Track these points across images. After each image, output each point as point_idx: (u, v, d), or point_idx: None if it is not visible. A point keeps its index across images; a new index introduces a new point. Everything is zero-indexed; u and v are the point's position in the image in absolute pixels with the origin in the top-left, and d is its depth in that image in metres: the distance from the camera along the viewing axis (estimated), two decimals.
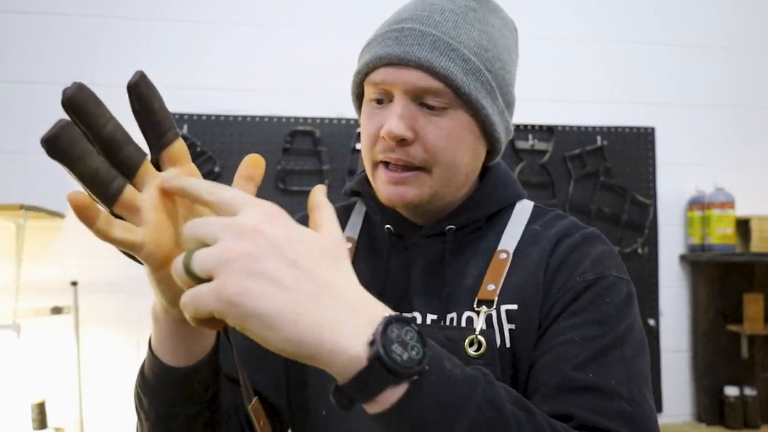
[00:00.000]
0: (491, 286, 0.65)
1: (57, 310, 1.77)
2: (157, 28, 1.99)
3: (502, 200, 0.72)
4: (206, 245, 0.37)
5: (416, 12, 0.65)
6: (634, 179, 2.17)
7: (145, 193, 0.43)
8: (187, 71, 2.00)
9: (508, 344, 0.63)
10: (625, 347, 0.59)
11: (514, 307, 0.64)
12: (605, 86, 2.21)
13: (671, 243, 2.20)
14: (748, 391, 2.06)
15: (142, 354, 2.15)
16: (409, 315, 0.67)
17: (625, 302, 0.62)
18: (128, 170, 0.43)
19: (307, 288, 0.37)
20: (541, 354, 0.60)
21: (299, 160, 2.01)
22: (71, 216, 1.89)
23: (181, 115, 1.96)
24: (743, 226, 2.16)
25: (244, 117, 1.99)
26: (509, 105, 0.70)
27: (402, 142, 0.63)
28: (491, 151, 0.70)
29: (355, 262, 0.71)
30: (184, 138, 1.93)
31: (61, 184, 1.91)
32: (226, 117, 1.98)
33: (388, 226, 0.71)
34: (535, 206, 0.74)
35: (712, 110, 2.26)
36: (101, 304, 1.88)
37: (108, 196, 0.41)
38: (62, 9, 1.95)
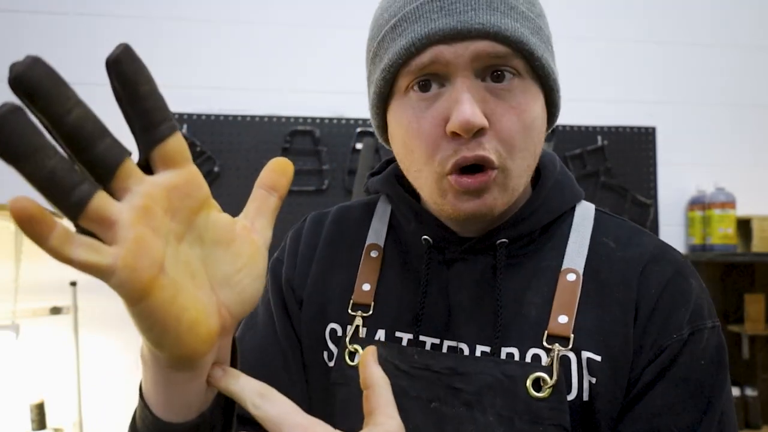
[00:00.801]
0: (563, 318, 0.54)
1: (56, 311, 1.76)
2: (156, 26, 1.99)
3: (562, 205, 0.59)
4: None
5: None
6: (635, 179, 2.17)
7: (125, 203, 0.31)
8: (187, 70, 1.99)
9: (585, 398, 0.52)
10: (718, 428, 0.53)
11: (598, 358, 0.53)
12: (606, 86, 2.20)
13: (672, 243, 2.13)
14: (749, 392, 2.06)
15: None
16: (453, 344, 0.57)
17: (720, 363, 0.54)
18: (103, 173, 0.31)
19: None
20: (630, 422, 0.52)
21: (299, 160, 2.01)
22: None
23: (181, 115, 1.95)
24: (744, 226, 2.16)
25: (244, 117, 1.99)
26: (555, 60, 0.60)
27: (477, 133, 0.50)
28: (549, 120, 0.58)
29: (383, 276, 0.62)
30: (184, 138, 1.92)
31: None
32: (226, 117, 1.98)
33: (425, 237, 0.59)
34: (597, 211, 0.62)
35: (713, 110, 2.26)
36: (100, 304, 1.88)
37: (69, 205, 0.29)
38: (60, 8, 1.94)
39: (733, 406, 0.55)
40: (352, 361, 0.58)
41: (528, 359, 0.53)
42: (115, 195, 0.31)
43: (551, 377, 0.51)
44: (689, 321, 0.53)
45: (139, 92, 0.32)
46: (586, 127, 2.15)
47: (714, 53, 2.27)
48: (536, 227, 0.58)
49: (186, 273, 0.35)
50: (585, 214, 0.61)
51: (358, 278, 0.62)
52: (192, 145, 1.93)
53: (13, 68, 0.30)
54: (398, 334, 0.58)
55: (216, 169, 1.94)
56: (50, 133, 0.30)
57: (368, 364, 0.40)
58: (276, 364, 0.63)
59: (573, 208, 0.61)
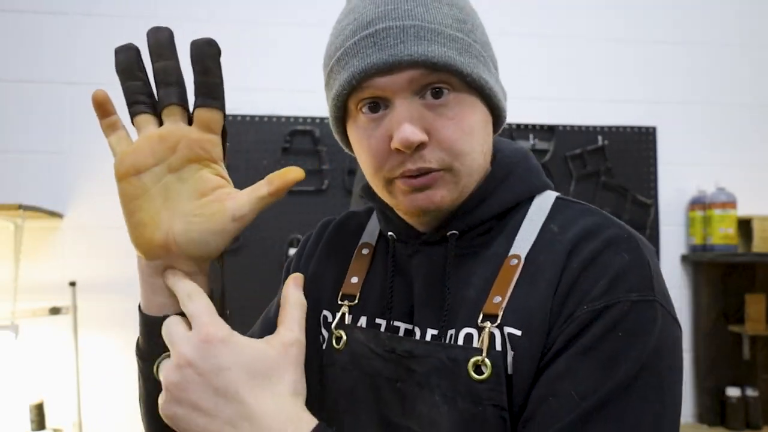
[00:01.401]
0: (497, 298, 0.57)
1: (55, 311, 1.76)
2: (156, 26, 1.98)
3: (515, 195, 0.63)
4: None
5: (378, 9, 0.57)
6: (635, 179, 2.17)
7: (153, 127, 0.49)
8: (186, 70, 1.98)
9: (510, 371, 0.54)
10: (630, 405, 0.49)
11: (518, 332, 0.54)
12: (606, 85, 2.20)
13: (672, 243, 2.19)
14: (750, 392, 2.05)
15: None
16: (410, 327, 0.62)
17: (640, 334, 0.51)
18: (159, 104, 0.49)
19: (225, 414, 0.45)
20: (532, 401, 0.53)
21: (299, 159, 2.00)
22: (69, 216, 1.89)
23: None
24: (745, 226, 2.15)
25: (244, 116, 1.98)
26: (497, 67, 0.64)
27: (418, 147, 0.56)
28: (496, 121, 0.64)
29: (372, 270, 0.69)
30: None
31: (59, 184, 1.91)
32: (225, 116, 1.97)
33: (390, 233, 0.66)
34: (558, 199, 0.64)
35: (714, 110, 2.26)
36: (100, 304, 1.88)
37: (133, 110, 0.49)
38: (60, 8, 1.94)
39: (663, 403, 0.50)
40: (337, 345, 0.65)
41: (461, 339, 0.57)
42: (162, 122, 0.49)
43: (489, 359, 0.54)
44: (606, 293, 0.53)
45: (203, 72, 0.48)
46: (587, 127, 2.15)
47: (714, 53, 2.27)
48: (485, 217, 0.61)
49: (160, 191, 0.49)
50: (542, 204, 0.63)
51: (348, 272, 0.69)
52: None
53: (151, 29, 0.49)
54: (377, 320, 0.65)
55: None
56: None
57: (288, 285, 0.51)
58: None
59: (532, 199, 0.64)
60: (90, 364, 1.86)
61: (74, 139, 1.92)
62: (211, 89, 0.49)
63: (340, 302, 0.68)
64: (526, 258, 0.58)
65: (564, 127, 2.14)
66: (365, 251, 0.70)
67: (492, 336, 0.55)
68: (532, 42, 2.18)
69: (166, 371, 0.47)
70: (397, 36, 0.56)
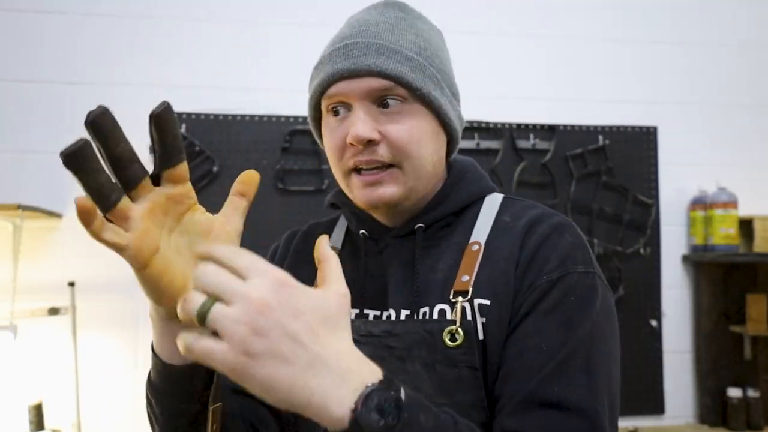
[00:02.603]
0: (465, 277, 0.68)
1: (54, 311, 1.75)
2: (156, 26, 1.98)
3: (470, 195, 0.76)
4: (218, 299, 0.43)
5: (354, 29, 0.71)
6: (636, 179, 2.16)
7: (138, 205, 0.50)
8: (186, 70, 1.98)
9: (481, 336, 0.65)
10: (590, 352, 0.61)
11: (487, 302, 0.66)
12: (607, 85, 2.19)
13: (673, 243, 2.18)
14: (751, 393, 2.05)
15: (140, 355, 2.14)
16: (387, 312, 0.71)
17: (588, 299, 0.64)
18: (129, 184, 0.49)
19: (303, 359, 0.43)
20: (508, 357, 0.63)
21: (298, 159, 2.00)
22: (68, 216, 1.88)
23: (180, 114, 1.94)
24: (746, 226, 2.14)
25: (243, 116, 1.98)
26: (455, 95, 0.75)
27: (369, 143, 0.67)
28: (450, 141, 0.75)
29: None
30: (183, 138, 1.92)
31: (59, 184, 1.91)
32: (225, 116, 1.97)
33: (362, 231, 0.76)
34: (504, 198, 0.78)
35: (715, 109, 2.25)
36: (99, 304, 1.87)
37: (106, 205, 0.48)
38: (60, 7, 1.93)
39: (610, 349, 0.64)
40: None
41: (435, 314, 0.68)
42: (133, 199, 0.50)
43: (461, 327, 0.65)
44: (559, 266, 0.66)
45: (167, 139, 0.50)
46: (587, 127, 2.14)
47: (715, 52, 2.26)
48: (446, 213, 0.74)
49: (176, 253, 0.53)
50: (493, 201, 0.77)
51: (318, 275, 0.72)
52: (191, 145, 1.92)
53: (89, 115, 0.46)
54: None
55: (215, 168, 1.93)
56: (101, 154, 0.47)
57: (321, 244, 0.54)
58: None
59: (483, 199, 0.77)
60: (89, 365, 1.86)
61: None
62: (172, 149, 0.50)
63: None
64: (486, 244, 0.70)
65: (564, 126, 2.13)
66: None
67: (464, 309, 0.66)
68: (532, 42, 2.17)
69: (227, 321, 0.42)
70: (361, 50, 0.68)
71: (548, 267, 0.66)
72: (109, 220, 0.48)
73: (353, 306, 0.72)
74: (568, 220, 0.72)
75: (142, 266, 0.50)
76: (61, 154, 0.45)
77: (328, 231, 0.83)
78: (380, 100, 0.68)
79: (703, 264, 2.12)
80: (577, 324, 0.62)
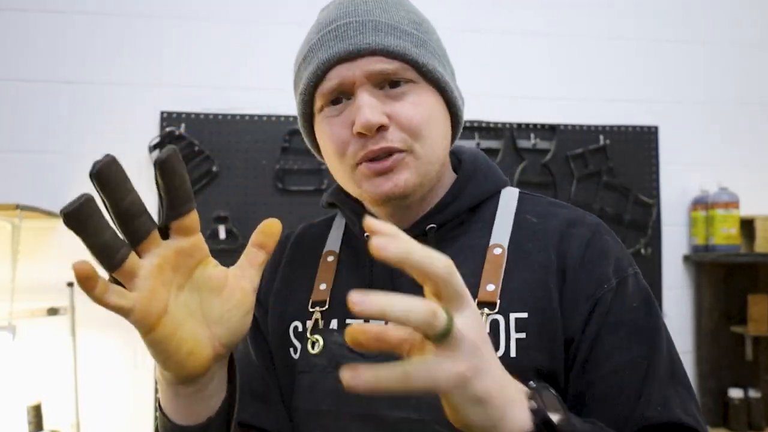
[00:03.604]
0: (491, 287, 0.62)
1: (53, 311, 1.75)
2: (155, 25, 1.97)
3: (484, 190, 0.69)
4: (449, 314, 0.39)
5: (340, 11, 0.64)
6: (637, 179, 2.15)
7: (146, 261, 0.45)
8: (186, 69, 1.98)
9: (513, 354, 0.60)
10: (671, 356, 0.62)
11: (524, 315, 0.61)
12: (608, 85, 2.19)
13: (674, 243, 2.17)
14: (753, 393, 2.04)
15: (139, 355, 2.13)
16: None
17: (648, 301, 0.64)
18: (136, 239, 0.45)
19: (498, 371, 0.43)
20: (595, 382, 0.60)
21: (298, 159, 1.99)
22: None
23: (179, 114, 1.93)
24: (747, 226, 2.14)
25: (243, 116, 1.97)
26: (453, 73, 0.70)
27: (379, 129, 0.60)
28: (454, 123, 0.69)
29: (338, 275, 0.70)
30: (182, 137, 1.92)
31: (57, 183, 1.90)
32: (224, 116, 1.96)
33: (368, 234, 0.68)
34: (521, 193, 0.72)
35: (716, 109, 2.24)
36: (98, 305, 1.86)
37: (111, 265, 0.43)
38: (57, 6, 1.93)
39: (671, 340, 0.64)
40: (314, 349, 0.66)
41: None
42: (140, 254, 0.45)
43: None
44: (614, 272, 0.63)
45: (174, 185, 0.45)
46: (588, 127, 2.14)
47: (717, 52, 2.25)
48: (461, 210, 0.67)
49: (186, 313, 0.48)
50: (509, 196, 0.70)
51: (316, 280, 0.71)
52: (190, 145, 1.91)
53: (95, 165, 0.42)
54: (348, 321, 0.66)
55: (215, 168, 1.92)
56: (106, 205, 0.43)
57: (440, 262, 0.41)
58: (255, 371, 0.73)
59: (498, 193, 0.70)
60: (88, 365, 1.85)
61: (72, 139, 1.90)
62: (181, 198, 0.46)
63: (311, 309, 0.69)
64: (510, 246, 0.65)
65: (565, 126, 2.12)
66: (330, 258, 0.72)
67: (495, 322, 0.61)
68: (533, 41, 2.17)
69: (470, 332, 0.40)
70: (356, 29, 0.62)
71: (603, 275, 0.62)
72: (114, 278, 0.45)
73: (353, 316, 0.66)
74: (597, 218, 0.69)
75: (148, 330, 0.45)
76: (61, 212, 0.41)
77: (324, 232, 0.77)
78: (384, 82, 0.62)
79: (704, 264, 2.11)
80: (651, 331, 0.62)
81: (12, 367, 1.80)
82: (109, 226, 0.43)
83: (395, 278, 0.66)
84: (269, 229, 0.52)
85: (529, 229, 0.66)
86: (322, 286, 0.69)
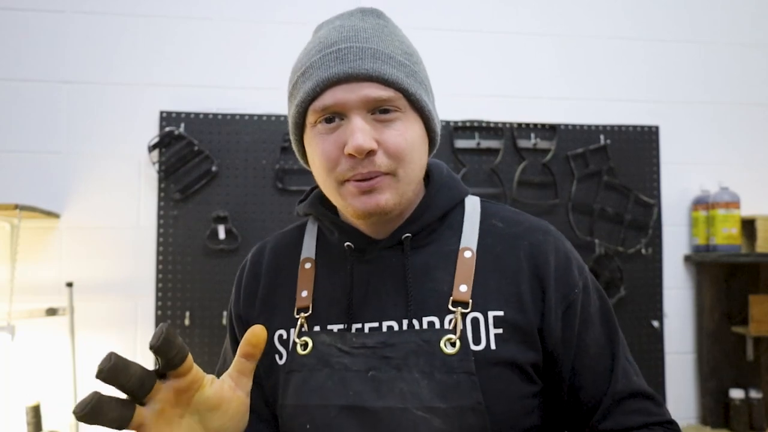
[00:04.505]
0: (464, 287, 0.70)
1: (52, 312, 1.74)
2: (154, 24, 1.97)
3: (451, 199, 0.77)
4: None
5: (341, 35, 0.69)
6: (638, 179, 2.14)
7: (149, 410, 0.53)
8: (185, 69, 1.97)
9: (493, 346, 0.69)
10: (622, 339, 0.76)
11: (501, 313, 0.70)
12: (608, 84, 2.18)
13: (675, 243, 2.17)
14: (754, 394, 2.03)
15: (138, 356, 2.12)
16: (384, 322, 0.72)
17: (602, 295, 0.77)
18: (140, 397, 0.53)
19: None
20: (579, 370, 0.72)
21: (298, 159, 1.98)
22: (66, 216, 1.87)
23: (178, 114, 1.93)
24: (749, 226, 2.13)
25: (242, 115, 1.96)
26: (434, 100, 0.76)
27: (368, 153, 0.66)
28: (431, 145, 0.76)
29: (317, 281, 0.77)
30: (181, 137, 1.91)
31: (56, 183, 1.90)
32: (224, 115, 1.95)
33: (348, 243, 0.74)
34: (482, 201, 0.80)
35: (717, 108, 2.23)
36: (97, 305, 1.86)
37: (122, 427, 0.52)
38: (56, 6, 1.92)
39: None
40: (303, 350, 0.72)
41: (446, 323, 0.69)
42: (144, 403, 0.53)
43: (456, 335, 0.68)
44: (579, 275, 0.74)
45: (170, 358, 0.52)
46: (589, 126, 2.13)
47: (718, 51, 2.25)
48: (432, 220, 0.75)
49: None
50: (473, 204, 0.79)
51: (297, 288, 0.77)
52: (189, 144, 1.91)
53: (100, 369, 0.49)
54: (329, 326, 0.73)
55: (214, 168, 1.92)
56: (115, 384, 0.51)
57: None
58: None
59: (462, 201, 0.78)
60: (87, 366, 1.84)
61: (71, 138, 1.90)
62: (177, 358, 0.53)
63: (296, 316, 0.75)
64: (478, 250, 0.73)
65: (566, 126, 2.12)
66: (308, 265, 0.78)
67: (475, 320, 0.69)
68: (533, 41, 2.16)
69: None
70: (356, 54, 0.67)
71: (573, 279, 0.73)
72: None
73: (338, 320, 0.73)
74: (551, 226, 0.79)
75: None
76: (74, 413, 0.48)
77: (297, 240, 0.82)
78: (375, 108, 0.67)
79: (705, 264, 2.11)
80: (609, 320, 0.75)
81: (11, 368, 1.80)
82: (115, 406, 0.51)
83: (373, 283, 0.73)
84: (255, 340, 0.58)
85: (496, 234, 0.75)
86: (304, 293, 0.76)
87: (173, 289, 1.88)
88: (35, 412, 1.67)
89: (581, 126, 2.12)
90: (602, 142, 2.12)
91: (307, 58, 0.71)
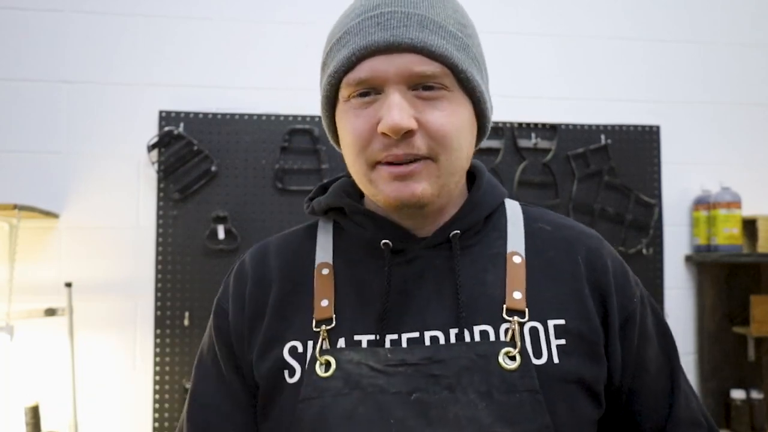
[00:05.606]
0: (518, 294, 0.62)
1: (51, 312, 1.73)
2: (154, 24, 1.96)
3: (496, 199, 0.69)
4: None
5: None
6: (639, 178, 2.14)
7: None
8: (185, 69, 1.97)
9: (556, 360, 0.60)
10: (679, 358, 0.71)
11: (562, 321, 0.62)
12: (609, 84, 2.17)
13: (676, 243, 2.16)
14: (755, 395, 2.03)
15: (138, 356, 2.13)
16: (426, 332, 0.61)
17: (654, 306, 0.71)
18: None
19: None
20: (637, 390, 0.67)
21: (297, 159, 1.98)
22: (66, 216, 1.87)
23: (178, 113, 1.92)
24: (750, 226, 2.12)
25: (242, 115, 1.96)
26: (488, 82, 0.67)
27: (406, 134, 0.57)
28: (480, 133, 0.67)
29: (338, 289, 0.65)
30: (181, 137, 1.91)
31: (55, 183, 1.89)
32: (224, 115, 1.95)
33: (385, 241, 0.64)
34: (521, 204, 0.74)
35: (718, 108, 2.23)
36: (96, 305, 1.85)
37: None
38: (54, 5, 1.92)
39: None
40: (327, 372, 0.59)
41: (502, 334, 0.60)
42: None
43: (515, 349, 0.59)
44: (635, 286, 0.68)
45: None
46: (590, 126, 2.12)
47: (718, 51, 2.24)
48: (479, 219, 0.67)
49: None
50: (514, 207, 0.71)
51: (315, 296, 0.65)
52: (189, 144, 1.90)
53: None
54: (357, 337, 0.62)
55: (213, 168, 1.91)
56: None
57: None
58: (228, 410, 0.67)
59: (503, 203, 0.71)
60: (86, 366, 1.84)
61: (70, 138, 1.89)
62: None
63: (316, 329, 0.63)
64: (527, 254, 0.65)
65: (566, 126, 2.11)
66: (325, 271, 0.66)
67: (535, 330, 0.61)
68: (533, 41, 2.16)
69: None
70: (400, 20, 0.57)
71: (631, 289, 0.67)
72: None
73: (368, 331, 0.62)
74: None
75: None
76: None
77: (307, 243, 0.70)
78: (418, 85, 0.58)
79: (706, 264, 2.10)
80: (667, 338, 0.71)
81: (10, 369, 1.79)
82: None
83: (411, 286, 0.63)
84: None
85: (545, 238, 0.67)
86: (324, 303, 0.64)
87: (173, 290, 1.87)
88: (34, 413, 1.67)
89: (582, 126, 2.12)
90: (603, 141, 2.12)
91: (344, 23, 0.62)
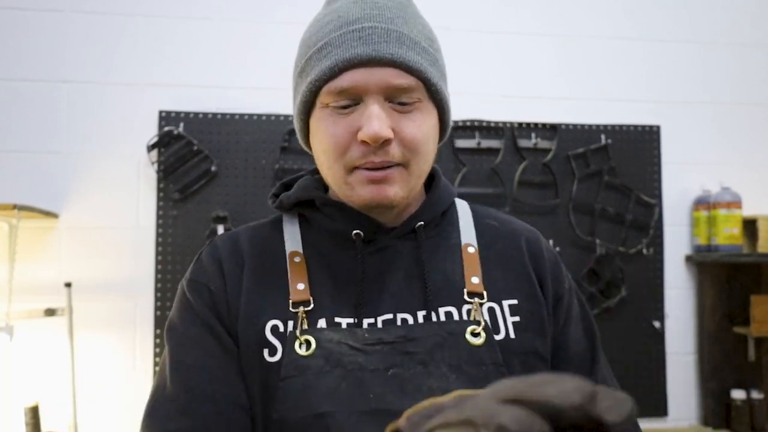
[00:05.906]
0: (475, 279, 0.70)
1: (50, 312, 1.73)
2: (154, 24, 1.96)
3: (450, 197, 0.77)
4: None
5: (364, 12, 0.65)
6: (639, 178, 2.14)
7: None
8: (184, 69, 1.97)
9: (512, 335, 0.68)
10: (601, 349, 0.77)
11: (515, 301, 0.70)
12: (609, 84, 2.17)
13: (676, 243, 2.16)
14: (755, 395, 2.03)
15: (137, 356, 2.12)
16: (399, 315, 0.67)
17: (579, 294, 0.78)
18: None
19: None
20: (563, 362, 0.72)
21: (297, 158, 1.98)
22: (65, 216, 1.87)
23: (177, 113, 1.92)
24: (750, 226, 2.12)
25: (242, 115, 1.96)
26: (447, 85, 0.73)
27: (383, 143, 0.63)
28: (440, 135, 0.73)
29: (312, 275, 0.69)
30: (181, 137, 1.91)
31: (55, 183, 1.89)
32: (223, 115, 1.95)
33: (357, 231, 0.70)
34: (468, 203, 0.81)
35: (718, 108, 2.23)
36: (96, 305, 1.85)
37: None
38: (54, 5, 1.92)
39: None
40: (305, 350, 0.63)
41: (464, 314, 0.67)
42: None
43: (479, 326, 0.66)
44: (566, 276, 0.77)
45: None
46: (590, 126, 2.12)
47: (719, 51, 2.24)
48: (437, 214, 0.74)
49: None
50: (463, 205, 0.80)
51: (290, 281, 0.69)
52: (189, 144, 1.90)
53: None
54: (337, 320, 0.66)
55: (213, 168, 1.91)
56: None
57: None
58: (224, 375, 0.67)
59: (454, 202, 0.79)
60: (86, 366, 1.84)
61: (70, 138, 1.89)
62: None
63: (293, 310, 0.66)
64: (479, 246, 0.73)
65: (567, 126, 2.11)
66: (297, 259, 0.70)
67: (493, 310, 0.69)
68: (533, 41, 2.15)
69: None
70: (381, 36, 0.63)
71: (562, 277, 0.75)
72: None
73: (345, 314, 0.66)
74: None
75: None
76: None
77: (275, 234, 0.73)
78: (395, 98, 0.64)
79: (706, 264, 2.10)
80: (590, 327, 0.76)
81: (9, 369, 1.79)
82: None
83: (386, 269, 0.69)
84: None
85: (492, 233, 0.76)
86: (300, 286, 0.68)
87: (172, 290, 1.87)
88: (34, 413, 1.67)
89: (582, 126, 2.12)
90: (603, 141, 2.11)
91: (324, 33, 0.66)
